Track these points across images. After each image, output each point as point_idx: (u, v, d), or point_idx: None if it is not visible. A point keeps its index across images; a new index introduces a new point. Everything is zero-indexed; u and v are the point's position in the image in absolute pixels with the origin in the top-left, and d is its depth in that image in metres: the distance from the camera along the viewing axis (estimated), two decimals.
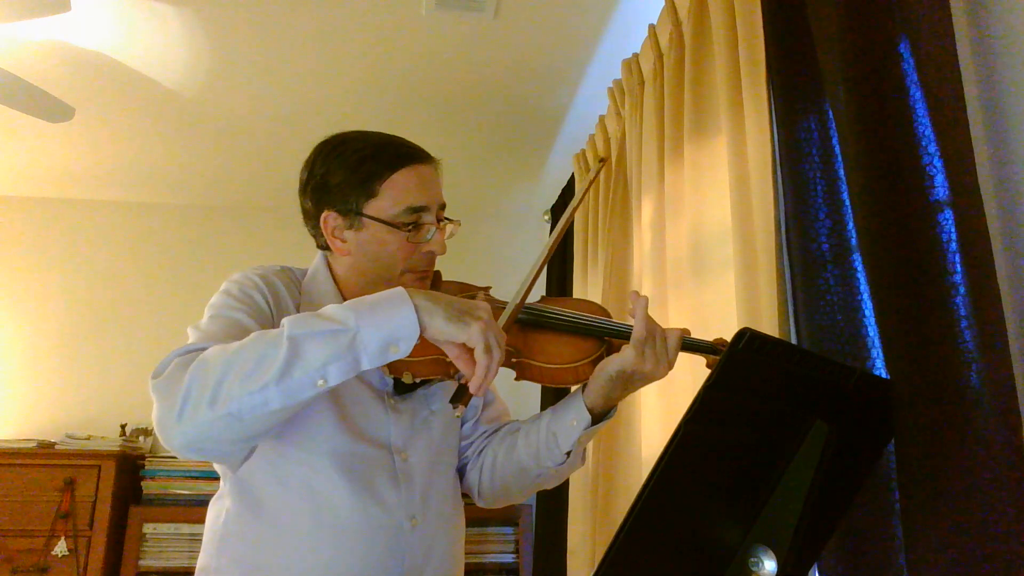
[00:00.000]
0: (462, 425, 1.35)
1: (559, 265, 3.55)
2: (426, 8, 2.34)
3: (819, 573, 1.18)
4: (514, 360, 1.14)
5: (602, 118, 2.83)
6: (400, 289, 0.99)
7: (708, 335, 1.73)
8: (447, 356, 1.11)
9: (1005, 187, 1.02)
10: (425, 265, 1.22)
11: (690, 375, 1.71)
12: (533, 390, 3.34)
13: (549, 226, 3.81)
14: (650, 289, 2.09)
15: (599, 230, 2.78)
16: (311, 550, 1.11)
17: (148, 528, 3.23)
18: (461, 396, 1.02)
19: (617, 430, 2.31)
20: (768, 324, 1.42)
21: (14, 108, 2.57)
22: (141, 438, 3.61)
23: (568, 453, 1.19)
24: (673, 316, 1.90)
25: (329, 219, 1.20)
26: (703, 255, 1.80)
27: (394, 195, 1.18)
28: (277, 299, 1.18)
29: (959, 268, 0.94)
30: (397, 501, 1.16)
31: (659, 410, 1.97)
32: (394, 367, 1.13)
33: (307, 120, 3.09)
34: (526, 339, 1.15)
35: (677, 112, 1.99)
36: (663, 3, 2.13)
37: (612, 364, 1.12)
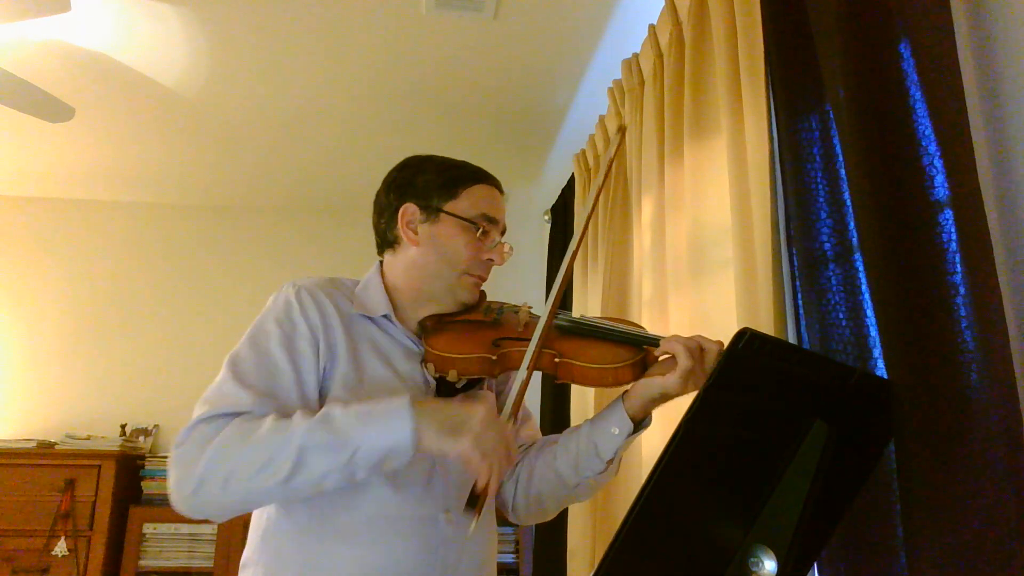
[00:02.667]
0: None
1: (559, 265, 3.54)
2: (426, 8, 2.34)
3: (819, 573, 1.18)
4: (556, 361, 1.20)
5: (602, 118, 2.82)
6: (405, 401, 1.07)
7: (708, 335, 1.73)
8: (492, 355, 1.21)
9: (1005, 187, 1.02)
10: (483, 271, 1.32)
11: None
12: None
13: (549, 226, 3.81)
14: (650, 289, 2.09)
15: (599, 230, 2.78)
16: (350, 542, 1.16)
17: (148, 528, 3.23)
18: (475, 503, 1.07)
19: None
20: (768, 324, 1.42)
21: (14, 108, 2.57)
22: (141, 438, 3.61)
23: (609, 462, 1.23)
24: (673, 316, 1.90)
25: (408, 210, 1.31)
26: (703, 255, 1.80)
27: (473, 201, 1.31)
28: (323, 317, 1.24)
29: (959, 268, 0.94)
30: (433, 495, 1.21)
31: (659, 410, 1.97)
32: (440, 365, 1.23)
33: (307, 119, 3.09)
34: (568, 343, 1.22)
35: (677, 112, 1.98)
36: (663, 3, 2.13)
37: (655, 387, 1.17)
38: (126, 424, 3.63)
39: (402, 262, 1.33)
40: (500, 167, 3.93)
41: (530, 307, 1.34)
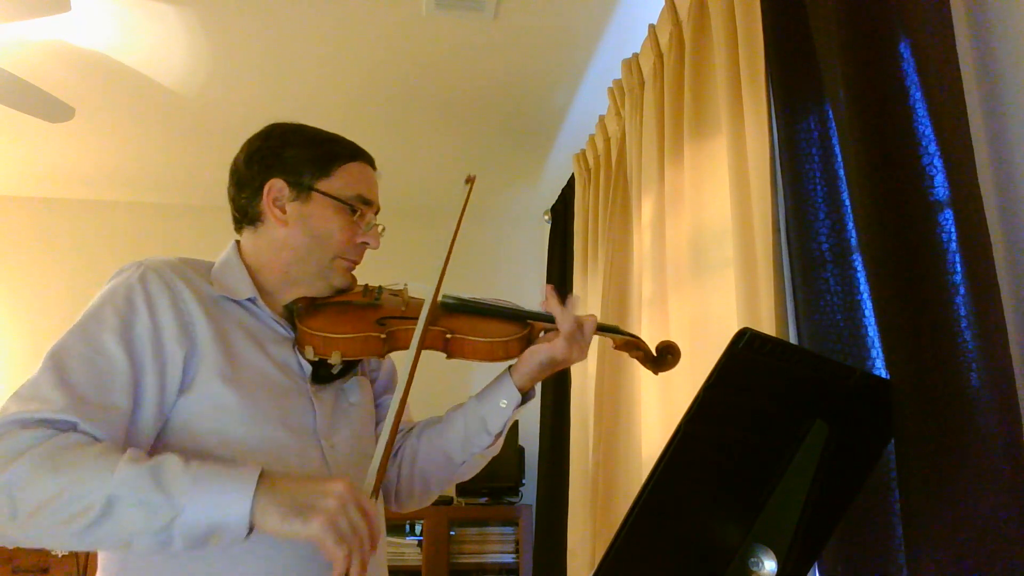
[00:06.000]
0: (376, 425, 1.30)
1: (559, 265, 3.55)
2: (426, 8, 2.34)
3: (819, 573, 1.18)
4: (448, 337, 1.19)
5: (602, 118, 2.83)
6: (253, 473, 0.92)
7: (708, 335, 1.73)
8: (382, 333, 1.15)
9: (1005, 187, 1.02)
10: (357, 256, 1.25)
11: (690, 375, 1.71)
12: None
13: (549, 226, 3.81)
14: (650, 289, 2.09)
15: (599, 230, 2.78)
16: (236, 555, 1.01)
17: None
18: None
19: (617, 430, 2.31)
20: (768, 324, 1.42)
21: (14, 108, 2.57)
22: None
23: (497, 435, 1.23)
24: (673, 316, 1.91)
25: (275, 187, 1.22)
26: (703, 255, 1.80)
27: (348, 180, 1.23)
28: (176, 303, 1.10)
29: (959, 268, 0.94)
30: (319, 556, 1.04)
31: (659, 410, 1.97)
32: (322, 347, 1.13)
33: (306, 120, 3.08)
34: (457, 321, 1.22)
35: (677, 112, 1.99)
36: (663, 3, 2.13)
37: (542, 352, 1.19)
38: None
39: (266, 242, 1.23)
40: (500, 167, 3.94)
41: (409, 291, 1.28)
